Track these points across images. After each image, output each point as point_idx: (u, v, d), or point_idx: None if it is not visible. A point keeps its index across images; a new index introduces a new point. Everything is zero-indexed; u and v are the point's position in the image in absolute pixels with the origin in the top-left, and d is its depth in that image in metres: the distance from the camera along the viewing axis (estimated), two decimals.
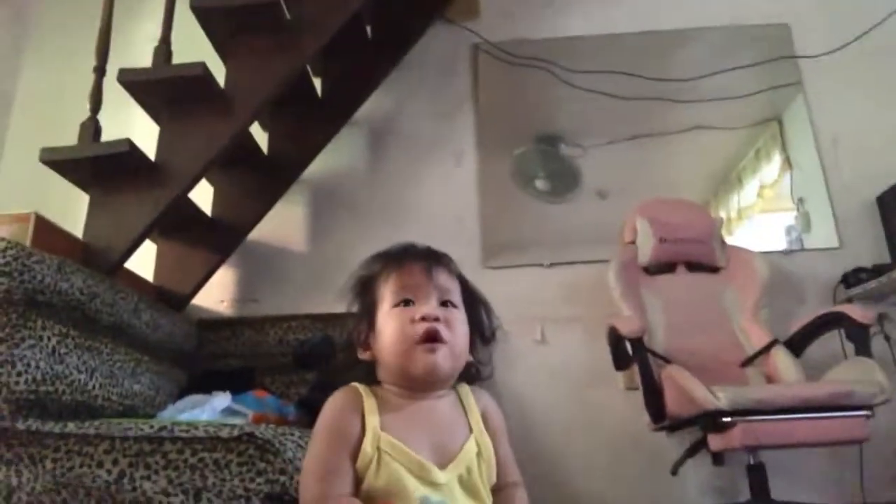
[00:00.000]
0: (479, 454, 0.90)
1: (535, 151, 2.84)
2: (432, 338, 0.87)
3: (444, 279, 0.93)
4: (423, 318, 0.88)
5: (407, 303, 0.90)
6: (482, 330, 0.98)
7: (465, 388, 0.96)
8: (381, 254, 0.99)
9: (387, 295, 0.92)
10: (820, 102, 2.79)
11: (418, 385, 0.90)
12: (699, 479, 2.32)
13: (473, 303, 0.98)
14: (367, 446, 0.84)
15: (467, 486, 0.87)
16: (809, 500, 2.00)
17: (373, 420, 0.86)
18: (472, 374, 0.97)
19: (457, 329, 0.90)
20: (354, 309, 0.98)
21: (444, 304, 0.92)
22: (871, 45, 2.80)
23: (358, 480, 0.83)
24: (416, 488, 0.82)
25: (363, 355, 0.94)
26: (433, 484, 0.84)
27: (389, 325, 0.89)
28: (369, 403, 0.88)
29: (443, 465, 0.86)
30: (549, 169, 2.82)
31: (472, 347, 0.95)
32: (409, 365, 0.87)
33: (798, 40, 2.88)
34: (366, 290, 0.97)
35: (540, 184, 2.79)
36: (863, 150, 2.70)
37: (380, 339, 0.91)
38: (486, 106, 2.90)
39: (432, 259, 0.95)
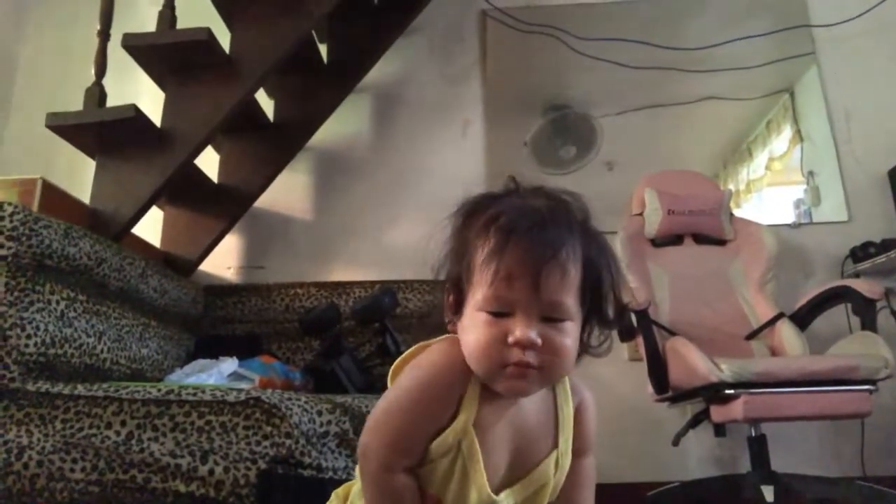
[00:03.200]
0: (554, 472, 0.79)
1: (547, 124, 2.81)
2: (522, 366, 0.70)
3: (555, 286, 0.70)
4: (517, 343, 0.69)
5: (500, 314, 0.71)
6: (603, 316, 0.77)
7: (564, 385, 0.81)
8: (485, 215, 0.75)
9: (478, 285, 0.72)
10: (834, 74, 2.74)
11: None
12: (700, 450, 2.34)
13: (598, 284, 0.75)
14: (450, 436, 0.73)
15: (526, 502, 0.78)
16: (809, 473, 2.01)
17: (469, 409, 0.73)
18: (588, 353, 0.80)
19: (559, 350, 0.71)
20: (447, 258, 0.79)
21: (547, 319, 0.71)
22: (888, 16, 2.74)
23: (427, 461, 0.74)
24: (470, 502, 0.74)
25: (449, 326, 0.78)
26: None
27: (475, 333, 0.72)
28: (473, 388, 0.74)
29: (512, 482, 0.77)
30: (566, 135, 2.80)
31: (588, 332, 0.78)
32: (493, 382, 0.72)
33: (813, 9, 2.82)
34: (459, 252, 0.76)
35: (564, 152, 2.77)
36: (876, 124, 2.67)
37: (464, 332, 0.74)
38: (494, 74, 2.86)
39: (546, 254, 0.70)
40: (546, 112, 2.82)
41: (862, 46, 2.75)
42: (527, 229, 0.71)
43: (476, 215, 0.76)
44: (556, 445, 0.79)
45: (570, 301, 0.72)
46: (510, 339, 0.69)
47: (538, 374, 0.70)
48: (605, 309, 0.77)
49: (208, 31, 2.05)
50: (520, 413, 0.77)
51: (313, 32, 2.56)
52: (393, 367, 0.80)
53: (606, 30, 2.85)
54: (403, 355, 0.80)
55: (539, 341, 0.69)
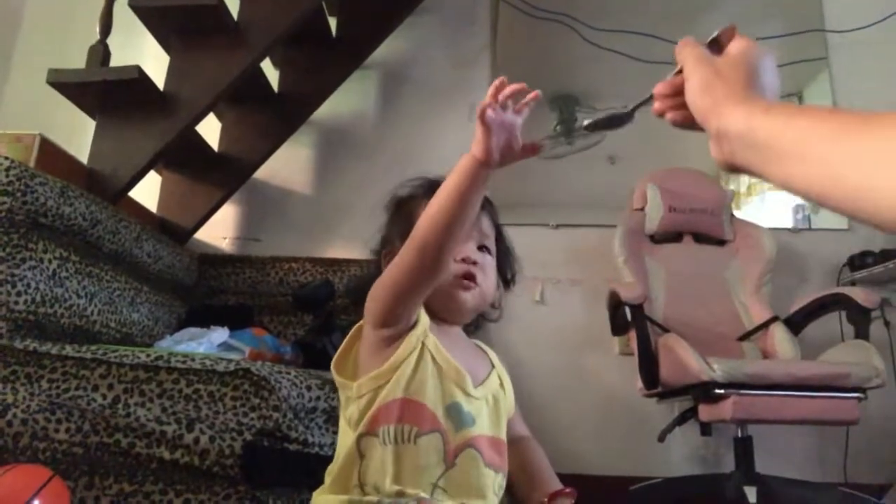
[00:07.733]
0: (501, 387, 0.95)
1: (559, 134, 2.78)
2: (469, 277, 0.91)
3: (486, 225, 0.96)
4: (464, 260, 0.91)
5: None
6: (505, 276, 1.02)
7: (478, 341, 1.01)
8: (429, 182, 0.98)
9: None
10: (845, 80, 2.71)
11: (441, 314, 0.92)
12: (685, 448, 2.35)
13: (503, 249, 1.01)
14: (414, 337, 0.86)
15: (493, 411, 0.90)
16: (793, 476, 2.02)
17: (423, 321, 0.88)
18: (482, 315, 1.00)
19: (489, 274, 0.94)
20: (386, 225, 1.02)
21: (481, 248, 0.95)
22: None
23: (394, 368, 0.85)
24: (449, 393, 0.85)
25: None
26: (466, 394, 0.87)
27: None
28: (422, 315, 0.90)
29: (475, 384, 0.89)
30: (575, 139, 2.78)
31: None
32: (442, 296, 0.90)
33: (828, 14, 2.79)
34: (403, 211, 0.99)
35: (575, 147, 2.75)
36: None
37: None
38: (504, 59, 2.83)
39: (482, 205, 0.93)
40: (553, 101, 2.80)
41: (876, 54, 2.72)
42: None
43: (414, 191, 1.00)
44: (493, 367, 0.97)
45: (492, 242, 0.98)
46: (458, 257, 0.91)
47: (477, 290, 0.92)
48: (507, 274, 1.02)
49: None
50: (458, 340, 0.95)
51: (323, 4, 2.52)
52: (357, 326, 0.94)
53: (619, 21, 2.82)
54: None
55: (477, 258, 0.93)
